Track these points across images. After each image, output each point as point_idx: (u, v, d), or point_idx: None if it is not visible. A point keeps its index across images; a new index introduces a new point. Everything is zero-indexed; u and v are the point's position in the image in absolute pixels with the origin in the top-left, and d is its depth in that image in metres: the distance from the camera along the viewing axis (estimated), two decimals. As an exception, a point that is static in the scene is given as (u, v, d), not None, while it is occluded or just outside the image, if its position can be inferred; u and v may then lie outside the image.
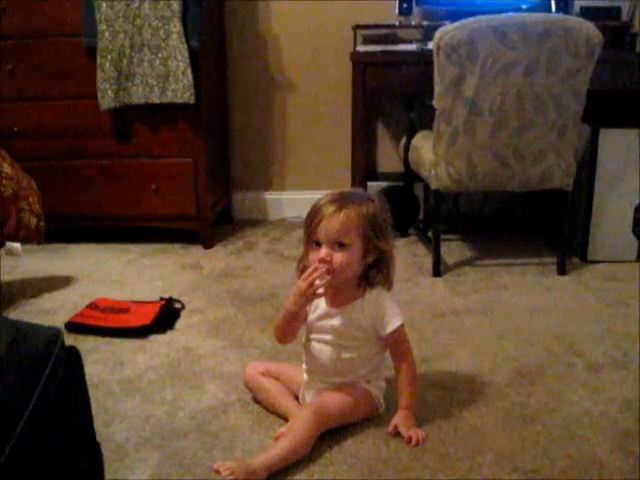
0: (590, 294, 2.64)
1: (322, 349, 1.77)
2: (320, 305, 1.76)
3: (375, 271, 1.74)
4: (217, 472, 1.50)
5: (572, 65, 2.55)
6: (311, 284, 1.63)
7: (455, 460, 1.61)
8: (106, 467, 1.44)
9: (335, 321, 1.74)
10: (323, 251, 1.64)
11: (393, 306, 1.74)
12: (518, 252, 3.12)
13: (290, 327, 1.75)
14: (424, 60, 2.78)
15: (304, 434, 1.60)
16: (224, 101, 3.64)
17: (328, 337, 1.75)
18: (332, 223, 1.63)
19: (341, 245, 1.63)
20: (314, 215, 1.66)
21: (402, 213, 3.42)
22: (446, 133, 2.67)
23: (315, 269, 1.63)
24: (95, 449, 1.40)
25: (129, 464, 1.62)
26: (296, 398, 1.82)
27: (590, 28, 2.53)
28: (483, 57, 2.53)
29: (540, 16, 2.56)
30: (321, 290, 1.67)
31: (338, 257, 1.64)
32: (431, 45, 2.68)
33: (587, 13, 2.92)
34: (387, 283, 1.76)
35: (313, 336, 1.78)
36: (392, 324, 1.71)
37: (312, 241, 1.67)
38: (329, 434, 1.70)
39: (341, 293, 1.74)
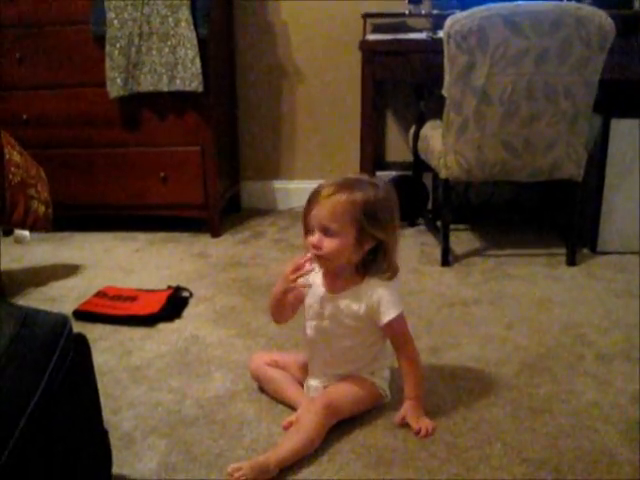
0: (599, 285, 2.62)
1: (316, 335, 1.76)
2: (318, 289, 1.74)
3: (371, 260, 1.70)
4: (230, 476, 1.48)
5: (584, 54, 2.53)
6: (295, 270, 1.63)
7: (464, 450, 1.60)
8: (114, 454, 1.45)
9: (329, 306, 1.72)
10: (314, 237, 1.63)
11: (390, 296, 1.69)
12: (527, 242, 3.11)
13: (278, 310, 1.77)
14: (434, 49, 2.76)
15: (315, 429, 1.60)
16: (232, 89, 3.63)
17: (322, 323, 1.74)
18: (321, 209, 1.61)
19: (330, 231, 1.61)
20: (310, 200, 1.65)
21: (411, 203, 3.40)
22: (456, 122, 2.66)
23: (302, 257, 1.62)
24: (103, 436, 1.40)
25: (137, 452, 1.62)
26: (302, 387, 1.82)
27: (603, 17, 2.50)
28: (493, 46, 2.51)
29: (552, 4, 2.53)
30: (304, 280, 1.67)
31: (327, 243, 1.61)
32: (441, 34, 2.66)
33: (599, 1, 2.89)
34: (388, 272, 1.71)
35: (308, 322, 1.77)
36: (388, 314, 1.67)
37: (306, 226, 1.66)
38: (337, 424, 1.70)
39: (338, 279, 1.72)
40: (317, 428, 1.60)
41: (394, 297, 1.69)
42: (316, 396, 1.73)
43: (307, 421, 1.61)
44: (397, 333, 1.72)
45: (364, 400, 1.75)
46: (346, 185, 1.63)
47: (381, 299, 1.68)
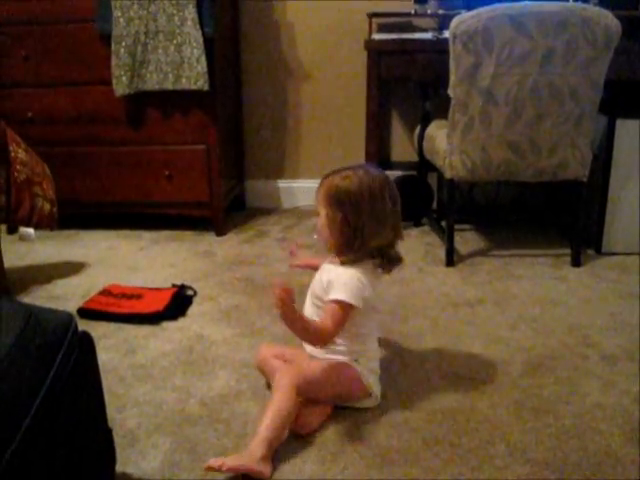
0: (604, 286, 2.62)
1: (307, 307, 1.82)
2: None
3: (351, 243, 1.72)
4: (210, 469, 1.49)
5: (589, 55, 2.53)
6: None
7: (467, 450, 1.60)
8: (117, 452, 1.45)
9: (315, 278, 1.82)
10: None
11: (348, 279, 1.69)
12: (532, 243, 3.10)
13: None
14: (439, 49, 2.76)
15: (282, 401, 1.60)
16: (238, 88, 3.63)
17: (309, 294, 1.83)
18: (315, 193, 1.76)
19: (318, 211, 1.76)
20: None
21: (415, 203, 3.40)
22: (461, 122, 2.65)
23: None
24: (107, 434, 1.40)
25: (141, 450, 1.62)
26: None
27: (609, 18, 2.50)
28: (499, 46, 2.51)
29: (558, 5, 2.53)
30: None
31: (317, 222, 1.76)
32: (447, 34, 2.66)
33: (605, 2, 2.88)
34: (357, 254, 1.71)
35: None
36: (334, 294, 1.67)
37: None
38: (340, 422, 1.70)
39: (331, 256, 1.81)
40: (284, 400, 1.61)
41: (350, 283, 1.69)
42: (287, 369, 1.73)
43: (276, 395, 1.63)
44: (327, 314, 1.68)
45: (343, 386, 1.74)
46: (335, 171, 1.74)
47: (338, 279, 1.70)
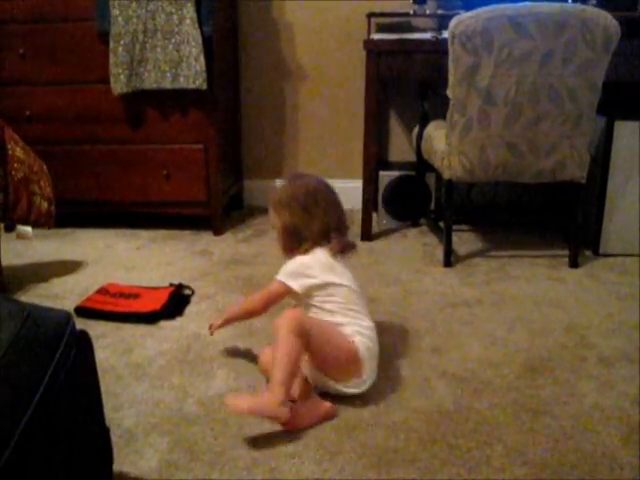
0: (602, 287, 2.62)
1: None
2: None
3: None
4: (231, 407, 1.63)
5: (588, 56, 2.53)
6: None
7: (465, 451, 1.60)
8: (115, 452, 1.44)
9: None
10: None
11: (287, 265, 1.92)
12: (530, 244, 3.11)
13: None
14: (438, 49, 2.76)
15: (284, 340, 1.68)
16: (236, 88, 3.63)
17: None
18: None
19: None
20: None
21: (414, 203, 3.40)
22: (460, 123, 2.65)
23: None
24: (105, 433, 1.40)
25: (138, 449, 1.62)
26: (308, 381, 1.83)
27: (608, 19, 2.50)
28: (498, 47, 2.51)
29: (557, 6, 2.53)
30: None
31: None
32: (445, 34, 2.66)
33: (604, 3, 2.88)
34: (303, 247, 1.91)
35: None
36: (277, 274, 1.91)
37: None
38: (338, 423, 1.70)
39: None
40: (288, 343, 1.67)
41: (289, 265, 1.91)
42: (285, 313, 1.77)
43: (279, 341, 1.69)
44: (268, 288, 1.93)
45: (333, 349, 1.77)
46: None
47: (284, 265, 1.93)
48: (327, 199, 1.92)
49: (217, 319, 2.11)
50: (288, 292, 1.89)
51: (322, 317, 1.83)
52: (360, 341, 1.79)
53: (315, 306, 1.85)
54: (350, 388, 1.80)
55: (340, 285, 1.85)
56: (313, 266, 1.86)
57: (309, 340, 1.71)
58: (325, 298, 1.85)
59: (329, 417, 1.73)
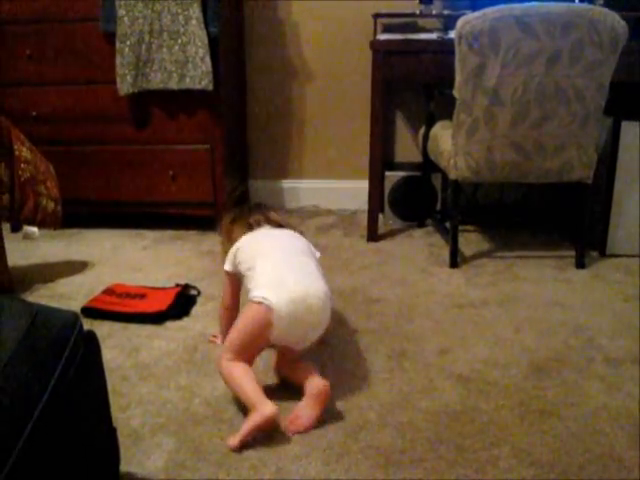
0: (608, 288, 2.62)
1: None
2: None
3: None
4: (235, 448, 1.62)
5: (596, 56, 2.53)
6: None
7: (472, 452, 1.60)
8: (122, 452, 1.45)
9: None
10: None
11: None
12: (536, 244, 3.10)
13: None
14: (444, 49, 2.75)
15: (222, 371, 1.79)
16: (242, 88, 3.63)
17: None
18: None
19: None
20: None
21: (420, 203, 3.40)
22: (466, 123, 2.65)
23: None
24: (111, 433, 1.40)
25: (145, 449, 1.62)
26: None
27: (615, 19, 2.49)
28: (505, 47, 2.51)
29: (564, 6, 2.52)
30: None
31: None
32: (452, 34, 2.66)
33: (611, 3, 2.87)
34: None
35: None
36: None
37: None
38: (344, 423, 1.70)
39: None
40: (224, 371, 1.77)
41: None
42: None
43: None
44: None
45: (243, 319, 1.80)
46: None
47: None
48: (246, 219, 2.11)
49: (218, 336, 2.15)
50: (227, 274, 2.02)
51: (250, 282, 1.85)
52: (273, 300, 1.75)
53: (245, 276, 1.90)
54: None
55: (262, 255, 1.90)
56: (241, 248, 1.97)
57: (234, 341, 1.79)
58: (249, 266, 1.88)
59: (324, 395, 1.73)
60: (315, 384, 1.74)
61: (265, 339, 1.77)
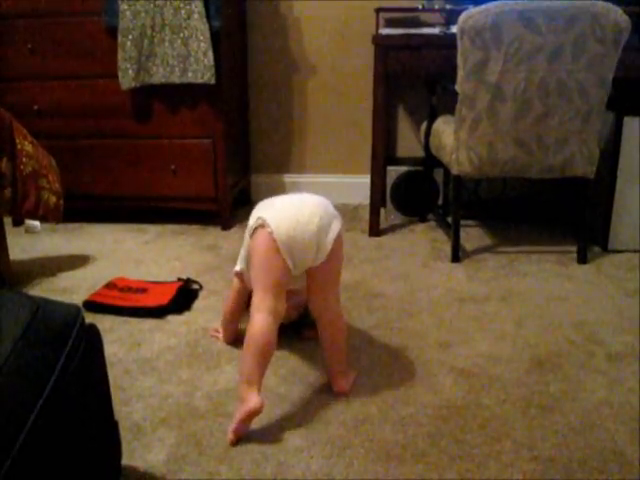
0: (610, 283, 2.62)
1: None
2: None
3: None
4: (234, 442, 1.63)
5: (598, 51, 2.52)
6: None
7: (473, 447, 1.60)
8: (123, 445, 1.45)
9: None
10: None
11: None
12: (538, 239, 3.10)
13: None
14: (447, 44, 2.75)
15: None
16: (244, 82, 3.63)
17: None
18: None
19: None
20: None
21: (422, 198, 3.40)
22: (468, 118, 2.65)
23: None
24: (113, 427, 1.40)
25: (146, 443, 1.62)
26: None
27: (618, 13, 2.49)
28: (508, 42, 2.50)
29: (567, 0, 2.52)
30: None
31: None
32: (454, 29, 2.65)
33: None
34: None
35: None
36: None
37: None
38: (346, 418, 1.70)
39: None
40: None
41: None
42: None
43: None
44: None
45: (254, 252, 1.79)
46: None
47: None
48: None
49: (219, 331, 2.16)
50: (237, 276, 2.03)
51: None
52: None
53: None
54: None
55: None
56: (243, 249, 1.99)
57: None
58: None
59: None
60: (336, 384, 1.83)
61: (283, 265, 1.72)
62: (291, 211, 1.75)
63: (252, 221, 1.79)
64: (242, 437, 1.62)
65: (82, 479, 1.23)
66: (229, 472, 1.51)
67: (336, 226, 1.77)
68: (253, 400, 1.60)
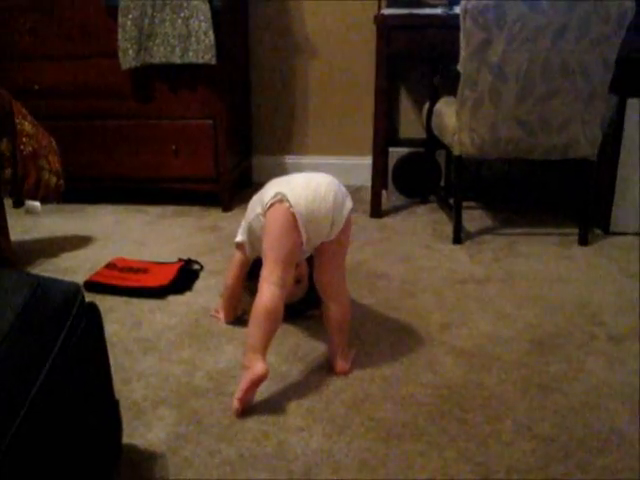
0: (611, 265, 2.61)
1: None
2: None
3: None
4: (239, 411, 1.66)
5: (602, 32, 2.50)
6: None
7: (473, 426, 1.60)
8: (124, 424, 1.45)
9: None
10: None
11: None
12: (540, 221, 3.10)
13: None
14: (449, 24, 2.73)
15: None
16: (246, 63, 3.61)
17: None
18: None
19: None
20: None
21: (423, 179, 3.39)
22: (470, 99, 2.64)
23: None
24: (114, 406, 1.40)
25: (146, 422, 1.62)
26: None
27: (622, -7, 2.47)
28: (510, 22, 2.48)
29: (570, -20, 2.50)
30: None
31: None
32: (457, 9, 2.64)
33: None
34: None
35: None
36: None
37: None
38: (346, 396, 1.71)
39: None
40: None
41: None
42: None
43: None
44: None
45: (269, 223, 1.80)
46: None
47: None
48: None
49: (220, 311, 2.16)
50: (238, 247, 2.05)
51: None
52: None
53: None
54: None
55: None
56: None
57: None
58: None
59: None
60: (337, 365, 1.84)
61: (297, 240, 1.74)
62: (309, 188, 1.77)
63: (267, 197, 1.80)
64: (246, 407, 1.64)
65: (83, 457, 1.23)
66: (229, 450, 1.51)
67: (349, 204, 1.82)
68: (259, 366, 1.62)
